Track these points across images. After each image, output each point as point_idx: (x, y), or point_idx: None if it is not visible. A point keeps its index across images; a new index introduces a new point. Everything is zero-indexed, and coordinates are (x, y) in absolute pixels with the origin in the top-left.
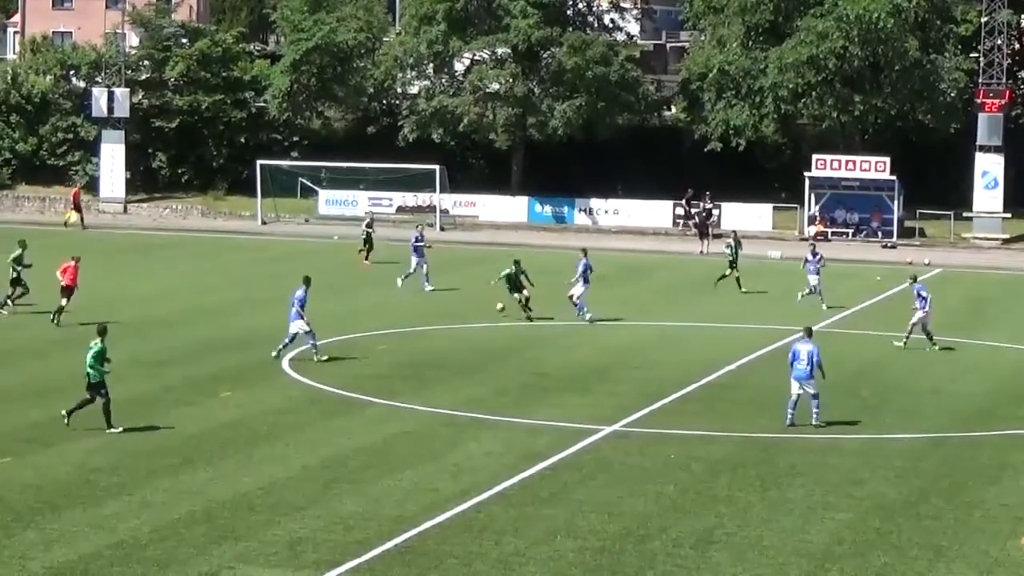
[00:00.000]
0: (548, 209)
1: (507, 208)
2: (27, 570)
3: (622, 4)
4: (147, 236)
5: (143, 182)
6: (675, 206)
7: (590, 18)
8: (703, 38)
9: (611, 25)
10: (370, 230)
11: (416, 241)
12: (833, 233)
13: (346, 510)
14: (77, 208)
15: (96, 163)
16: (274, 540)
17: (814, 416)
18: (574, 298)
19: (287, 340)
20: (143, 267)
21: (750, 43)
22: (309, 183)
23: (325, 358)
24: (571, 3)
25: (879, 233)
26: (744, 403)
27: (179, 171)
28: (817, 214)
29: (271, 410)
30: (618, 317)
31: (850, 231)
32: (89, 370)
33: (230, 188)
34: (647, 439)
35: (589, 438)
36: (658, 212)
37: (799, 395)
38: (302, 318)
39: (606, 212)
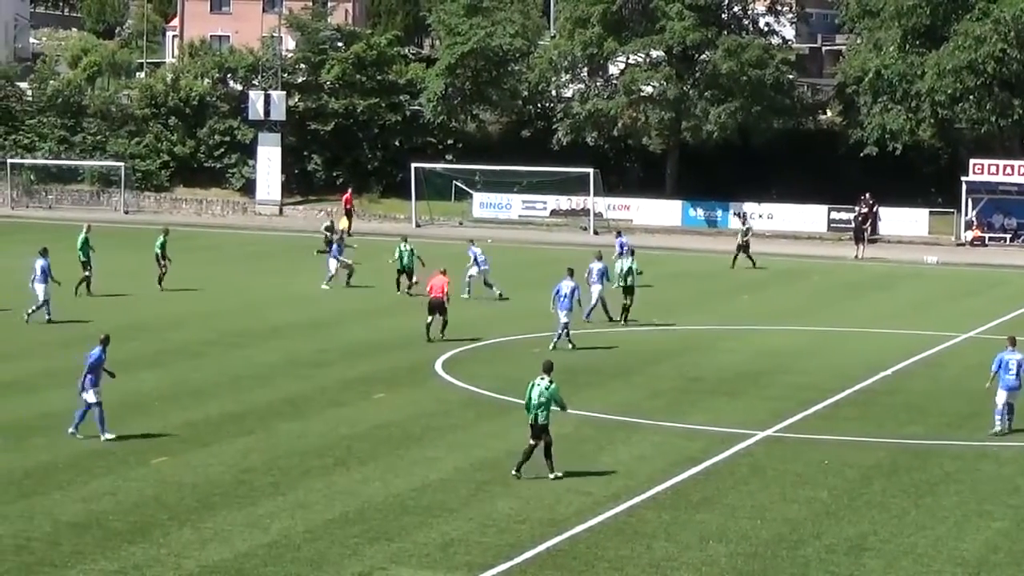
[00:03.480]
0: (701, 212)
1: (661, 211)
2: (183, 568)
3: (777, 7)
4: (302, 238)
5: (298, 185)
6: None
7: (745, 21)
8: (859, 41)
9: (766, 28)
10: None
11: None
12: (990, 238)
13: (498, 512)
14: (348, 214)
15: (252, 165)
16: (426, 541)
17: (1008, 424)
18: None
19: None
20: (298, 269)
21: (907, 47)
22: (463, 186)
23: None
24: (727, 6)
25: None
26: (898, 409)
27: (334, 174)
28: (974, 219)
29: (424, 412)
30: (772, 322)
31: (1008, 236)
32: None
33: (385, 191)
34: (800, 444)
35: (742, 443)
36: (812, 216)
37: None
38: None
39: (760, 216)
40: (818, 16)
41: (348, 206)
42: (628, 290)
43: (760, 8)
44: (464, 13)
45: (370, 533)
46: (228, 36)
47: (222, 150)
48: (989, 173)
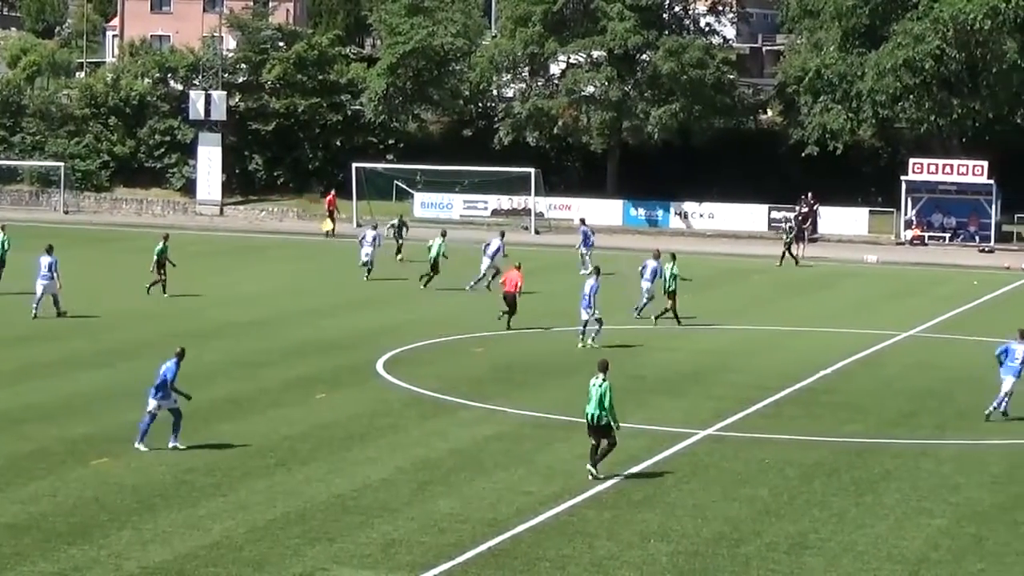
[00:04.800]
0: (642, 212)
1: (602, 211)
2: (123, 570)
3: (718, 7)
4: (243, 238)
5: (239, 184)
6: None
7: (686, 21)
8: (799, 41)
9: (707, 28)
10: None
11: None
12: (930, 237)
13: (440, 512)
14: (332, 216)
15: (193, 166)
16: (368, 542)
17: (1003, 404)
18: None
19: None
20: (239, 269)
21: (847, 46)
22: (404, 186)
23: None
24: (668, 6)
25: (976, 238)
26: (839, 408)
27: (275, 174)
28: (913, 218)
29: (365, 412)
30: (713, 321)
31: (947, 235)
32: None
33: (326, 190)
34: (742, 443)
35: (684, 442)
36: (753, 216)
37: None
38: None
39: (701, 216)
40: (759, 16)
41: (331, 207)
42: (672, 294)
43: (701, 8)
44: (405, 13)
45: (311, 533)
46: (169, 36)
47: (162, 150)
48: (929, 172)
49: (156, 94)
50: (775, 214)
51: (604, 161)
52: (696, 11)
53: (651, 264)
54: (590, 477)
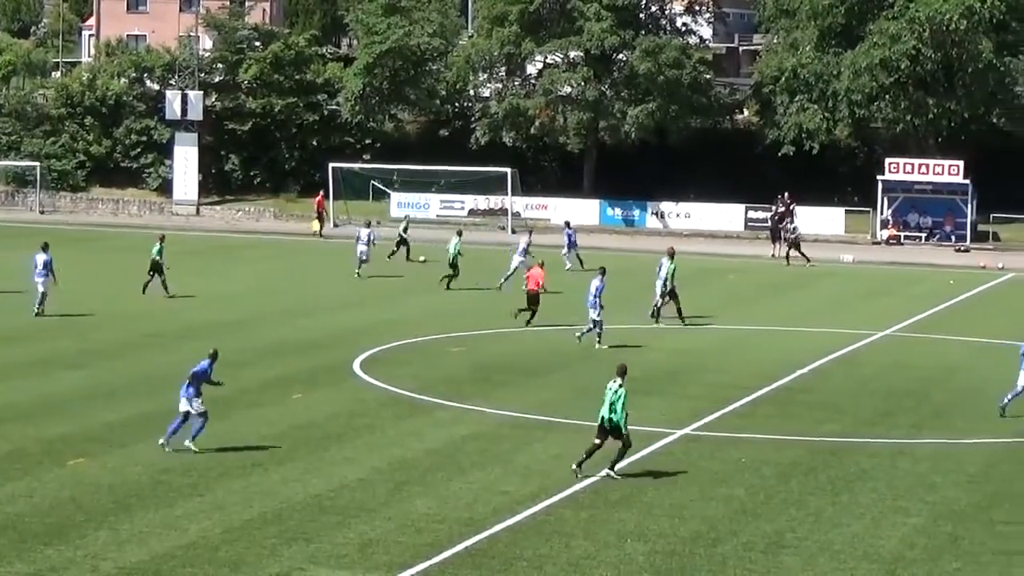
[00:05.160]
0: (619, 212)
1: (579, 211)
2: (99, 570)
3: (695, 7)
4: (220, 238)
5: (216, 184)
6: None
7: (663, 21)
8: (775, 41)
9: (683, 28)
10: (405, 234)
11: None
12: (906, 237)
13: (416, 512)
14: (320, 217)
15: (169, 165)
16: (345, 542)
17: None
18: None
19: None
20: (216, 269)
21: (823, 46)
22: (381, 186)
23: None
24: (644, 6)
25: (952, 237)
26: (815, 407)
27: (251, 174)
28: (890, 218)
29: (342, 412)
30: (690, 320)
31: (923, 235)
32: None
33: (302, 190)
34: (718, 442)
35: (660, 441)
36: (730, 215)
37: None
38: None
39: (678, 215)
40: (735, 16)
41: (320, 208)
42: (671, 293)
43: (678, 8)
44: (382, 12)
45: (288, 534)
46: (145, 35)
47: (139, 150)
48: (904, 172)
49: (132, 94)
50: (752, 214)
51: (581, 161)
52: (672, 11)
53: (667, 263)
54: (575, 474)
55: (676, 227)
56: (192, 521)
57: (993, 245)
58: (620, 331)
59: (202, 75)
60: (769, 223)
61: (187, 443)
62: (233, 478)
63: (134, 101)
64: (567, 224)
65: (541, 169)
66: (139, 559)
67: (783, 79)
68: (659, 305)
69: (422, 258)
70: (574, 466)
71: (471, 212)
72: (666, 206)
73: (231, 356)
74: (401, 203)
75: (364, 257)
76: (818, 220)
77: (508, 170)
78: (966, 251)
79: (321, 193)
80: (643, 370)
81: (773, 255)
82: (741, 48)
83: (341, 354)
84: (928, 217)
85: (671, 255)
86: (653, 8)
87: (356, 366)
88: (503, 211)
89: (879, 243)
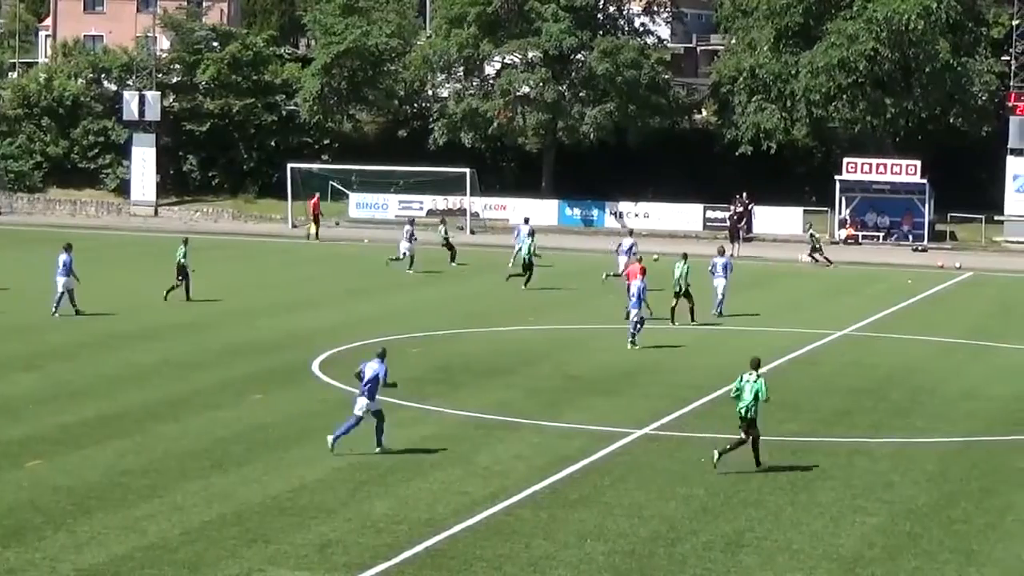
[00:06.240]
0: (578, 212)
1: (538, 211)
2: (57, 572)
3: (653, 8)
4: (178, 239)
5: (174, 185)
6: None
7: (621, 22)
8: (733, 41)
9: (642, 29)
10: (447, 237)
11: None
12: (864, 237)
13: (376, 513)
14: (316, 220)
15: (127, 166)
16: (304, 543)
17: None
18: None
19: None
20: (172, 271)
21: (781, 46)
22: (340, 186)
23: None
24: (602, 7)
25: (910, 236)
26: (774, 406)
27: (210, 174)
28: (848, 217)
29: (301, 413)
30: (649, 320)
31: (881, 235)
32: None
33: (260, 191)
34: (678, 442)
35: (619, 441)
36: (688, 215)
37: None
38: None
39: (636, 215)
40: (693, 16)
41: (316, 211)
42: (686, 294)
43: (636, 8)
44: (340, 13)
45: (247, 535)
46: (102, 36)
47: (96, 151)
48: (862, 172)
49: (90, 94)
50: (710, 213)
51: (539, 161)
52: (630, 11)
53: (719, 261)
54: (714, 463)
55: (635, 227)
56: (151, 522)
57: (950, 244)
58: (580, 331)
59: (159, 76)
60: (728, 223)
61: (377, 449)
62: (192, 479)
63: (91, 102)
64: (526, 220)
65: (499, 169)
66: (98, 561)
67: (741, 79)
68: (721, 301)
69: (392, 258)
70: (715, 454)
71: (429, 212)
72: (624, 206)
73: (189, 357)
74: (360, 203)
75: (408, 252)
76: (776, 220)
77: (467, 170)
78: (924, 251)
79: (317, 196)
80: (603, 371)
81: (732, 255)
82: (699, 48)
83: (300, 355)
84: (886, 217)
85: (722, 252)
86: (611, 9)
87: (315, 367)
88: (462, 211)
89: (837, 243)
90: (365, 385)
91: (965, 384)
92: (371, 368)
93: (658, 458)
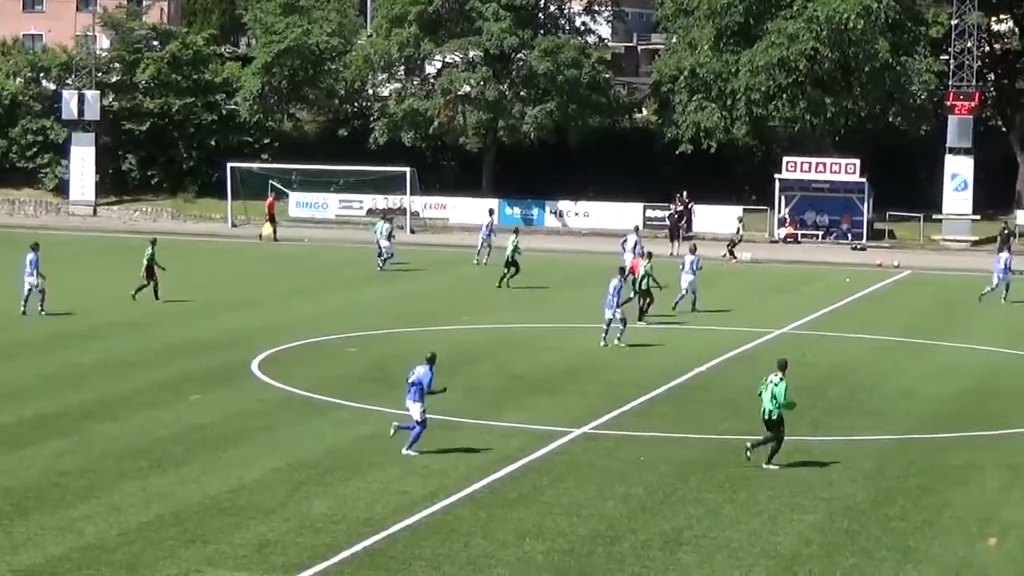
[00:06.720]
0: (518, 211)
1: (478, 210)
2: None
3: (594, 7)
4: (117, 239)
5: (113, 185)
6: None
7: (561, 21)
8: (674, 40)
9: (582, 28)
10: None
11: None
12: (803, 235)
13: (315, 512)
14: (272, 220)
15: (66, 166)
16: (242, 543)
17: None
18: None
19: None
20: (112, 270)
21: (721, 45)
22: (280, 185)
23: None
24: (543, 6)
25: (849, 235)
26: (713, 405)
27: (149, 174)
28: (787, 216)
29: (240, 412)
30: (589, 320)
31: (820, 233)
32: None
33: (200, 191)
34: (616, 441)
35: (559, 440)
36: (628, 214)
37: None
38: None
39: (576, 214)
40: (634, 15)
41: (271, 211)
42: (644, 292)
43: (577, 7)
44: (280, 12)
45: (186, 535)
46: (41, 35)
47: (35, 150)
48: (802, 171)
49: (28, 93)
50: (650, 212)
51: (480, 160)
52: (571, 11)
53: (688, 257)
54: (746, 456)
55: (575, 226)
56: (88, 523)
57: (889, 243)
58: (525, 330)
59: (99, 75)
60: (668, 222)
61: (404, 451)
62: (130, 480)
63: (30, 101)
64: (491, 212)
65: (440, 168)
66: (34, 562)
67: (681, 78)
68: (681, 298)
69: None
70: (748, 446)
71: (369, 212)
72: (565, 205)
73: (128, 356)
74: (300, 203)
75: (389, 252)
76: (716, 219)
77: (407, 170)
78: (863, 249)
79: (272, 195)
80: (543, 370)
81: (672, 253)
82: (640, 47)
83: (238, 354)
84: (825, 215)
85: (694, 250)
86: (552, 8)
87: (254, 366)
88: (402, 210)
89: (776, 241)
90: (410, 388)
91: (903, 382)
92: (417, 372)
93: (597, 457)
